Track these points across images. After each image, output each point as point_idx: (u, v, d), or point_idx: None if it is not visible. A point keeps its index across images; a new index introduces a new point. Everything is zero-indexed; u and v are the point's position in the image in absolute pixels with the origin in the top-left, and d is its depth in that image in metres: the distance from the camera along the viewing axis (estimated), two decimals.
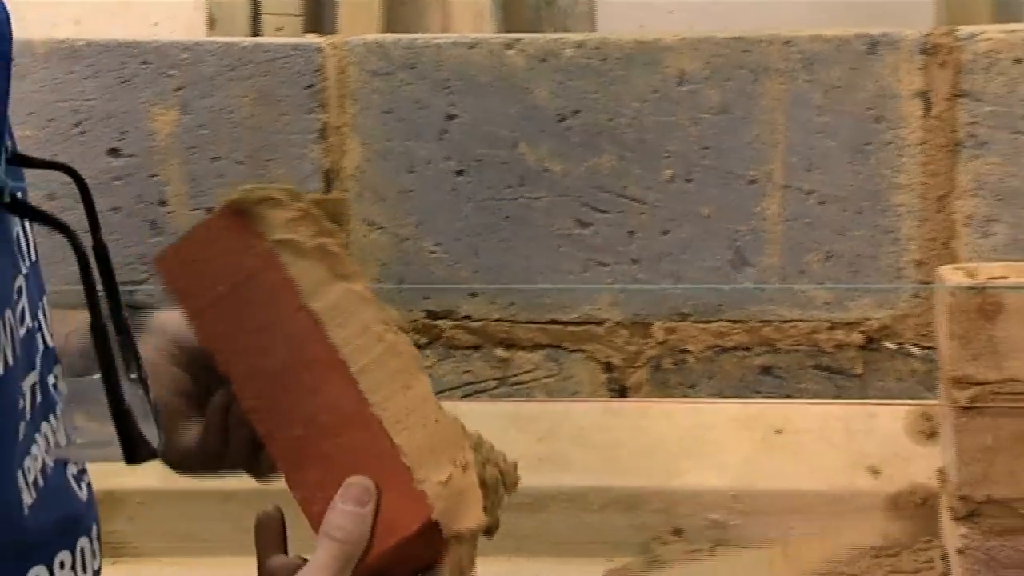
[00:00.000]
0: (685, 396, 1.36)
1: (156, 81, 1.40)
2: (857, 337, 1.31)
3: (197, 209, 1.40)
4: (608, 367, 1.39)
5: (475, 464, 0.86)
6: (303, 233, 0.88)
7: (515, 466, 0.75)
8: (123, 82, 1.39)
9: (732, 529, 1.30)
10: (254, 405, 0.84)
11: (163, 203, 1.41)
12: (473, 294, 1.38)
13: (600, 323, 1.38)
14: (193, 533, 1.52)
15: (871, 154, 1.31)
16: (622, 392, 1.39)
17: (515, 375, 1.40)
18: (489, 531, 0.75)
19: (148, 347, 0.75)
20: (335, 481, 0.86)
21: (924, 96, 1.29)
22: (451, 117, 1.35)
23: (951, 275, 1.16)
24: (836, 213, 1.32)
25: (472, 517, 0.83)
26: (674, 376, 1.37)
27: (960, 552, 1.15)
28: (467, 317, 1.39)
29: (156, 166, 1.40)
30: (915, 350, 1.32)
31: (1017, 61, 1.27)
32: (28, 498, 0.59)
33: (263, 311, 0.87)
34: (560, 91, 1.35)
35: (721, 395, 1.32)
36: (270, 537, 0.72)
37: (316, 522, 0.81)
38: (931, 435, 1.26)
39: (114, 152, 1.40)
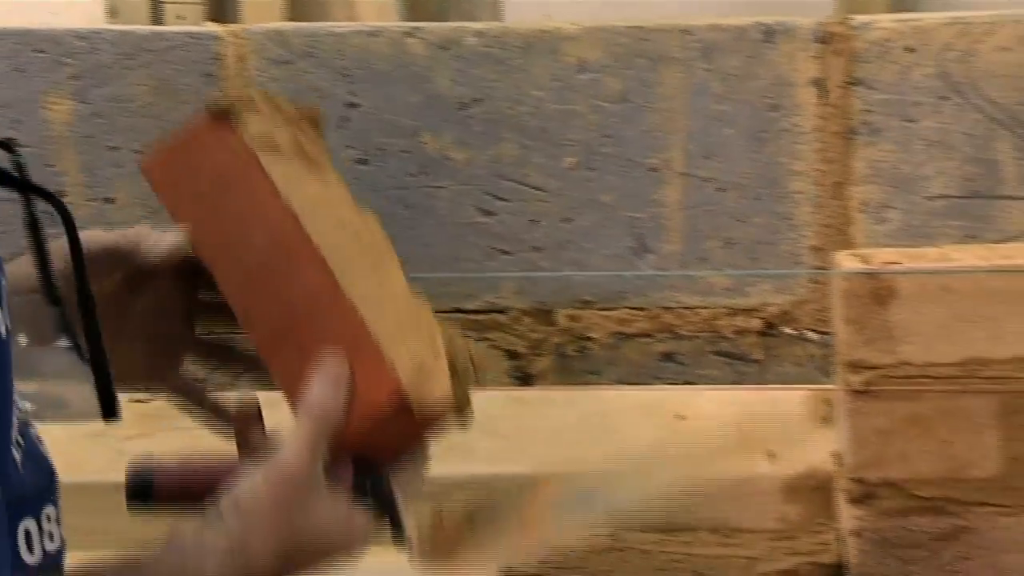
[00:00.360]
0: (588, 383, 1.37)
1: (51, 70, 1.38)
2: (756, 323, 1.33)
3: (94, 200, 1.38)
4: (512, 355, 1.40)
5: (443, 349, 0.89)
6: (281, 134, 0.91)
7: (480, 356, 0.80)
8: (16, 71, 1.37)
9: (634, 514, 1.31)
10: (236, 297, 0.87)
11: (60, 194, 1.39)
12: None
13: (503, 311, 1.39)
14: (96, 528, 1.50)
15: (768, 142, 1.33)
16: (526, 380, 1.39)
17: None
18: (463, 416, 0.80)
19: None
20: (309, 359, 0.89)
21: (819, 84, 1.31)
22: (352, 106, 1.34)
23: (846, 261, 1.18)
24: (735, 200, 1.33)
25: (440, 392, 0.85)
26: (578, 363, 1.38)
27: (855, 534, 1.17)
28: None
29: (52, 156, 1.38)
30: (812, 335, 1.34)
31: (909, 50, 1.29)
32: (17, 455, 0.60)
33: (244, 207, 0.91)
34: (461, 80, 1.35)
35: (624, 382, 1.32)
36: (250, 421, 0.78)
37: (295, 403, 0.84)
38: (828, 419, 1.28)
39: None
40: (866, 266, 1.15)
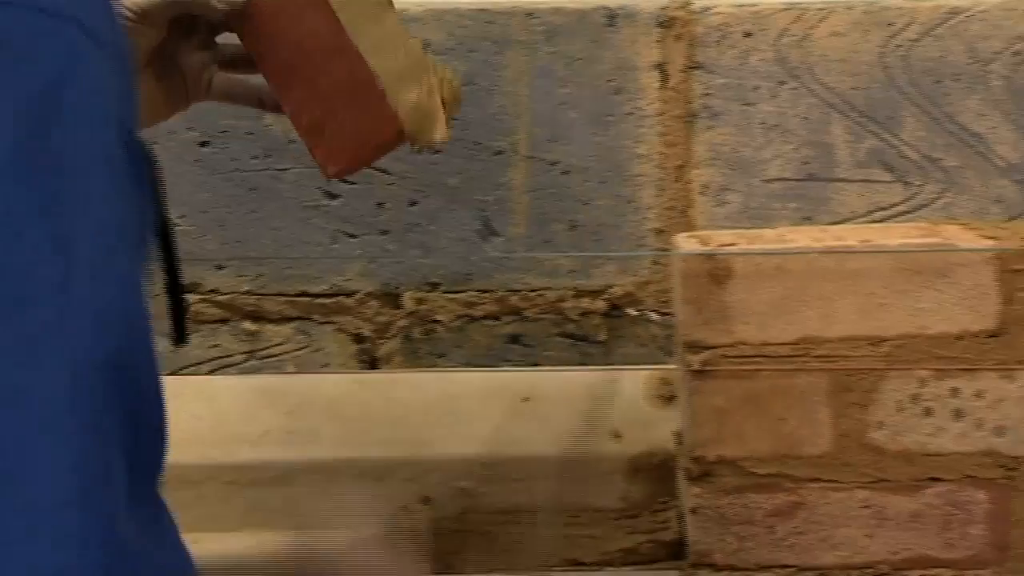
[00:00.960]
0: (435, 366, 1.37)
1: None
2: (601, 304, 1.34)
3: None
4: (358, 338, 1.39)
5: (437, 87, 1.09)
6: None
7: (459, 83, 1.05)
8: None
9: (480, 496, 1.31)
10: (249, 31, 1.02)
11: None
12: (220, 267, 1.36)
13: (350, 294, 1.38)
14: None
15: (612, 125, 1.34)
16: (372, 363, 1.39)
17: (264, 348, 1.39)
18: (443, 143, 1.04)
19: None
20: (319, 99, 1.03)
21: (661, 68, 1.32)
22: None
23: (685, 242, 1.20)
24: (580, 183, 1.34)
25: (437, 132, 1.07)
26: (424, 346, 1.38)
27: (693, 511, 1.19)
28: (214, 291, 1.37)
29: None
30: (655, 316, 1.36)
31: (747, 34, 1.31)
32: None
33: None
34: None
35: (471, 364, 1.33)
36: None
37: (303, 131, 0.97)
38: (670, 399, 1.30)
39: None
40: (703, 247, 1.17)
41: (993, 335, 1.15)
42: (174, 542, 0.60)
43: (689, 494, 1.20)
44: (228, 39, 1.05)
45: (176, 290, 0.83)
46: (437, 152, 1.05)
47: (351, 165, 1.08)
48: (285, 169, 1.36)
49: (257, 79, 1.05)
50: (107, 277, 0.58)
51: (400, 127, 1.05)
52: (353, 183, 1.37)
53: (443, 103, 1.05)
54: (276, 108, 1.08)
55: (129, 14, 0.99)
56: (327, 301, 1.38)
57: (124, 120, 0.62)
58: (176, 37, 1.03)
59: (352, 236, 1.37)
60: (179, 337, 0.96)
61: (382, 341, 1.38)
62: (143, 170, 0.63)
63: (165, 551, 0.58)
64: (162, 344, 0.65)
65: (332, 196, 1.37)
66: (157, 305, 0.69)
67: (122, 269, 0.59)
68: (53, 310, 0.55)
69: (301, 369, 1.38)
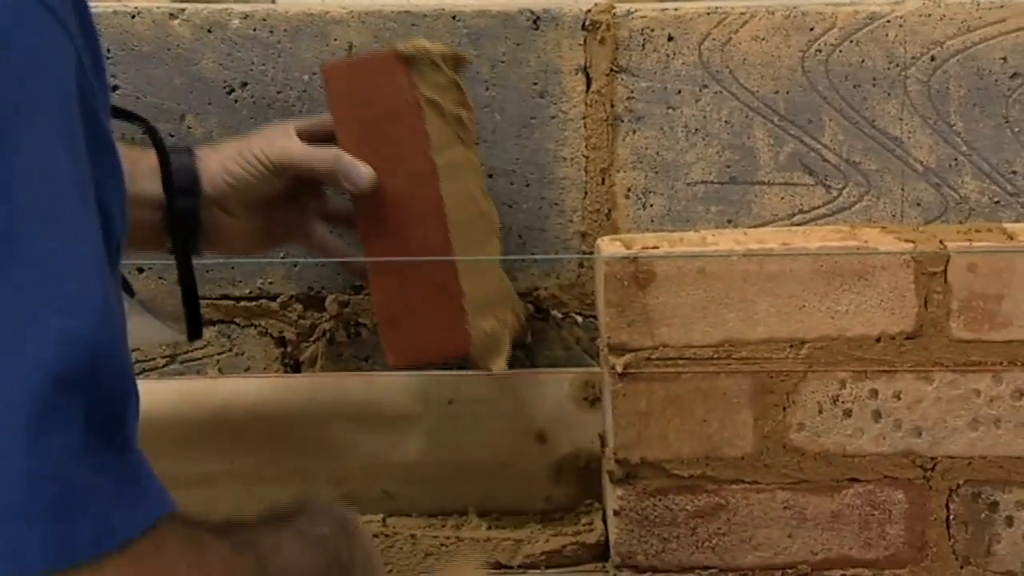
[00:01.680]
0: (359, 369, 1.37)
1: None
2: (527, 307, 1.34)
3: None
4: (281, 342, 1.38)
5: (511, 321, 1.19)
6: (448, 99, 1.18)
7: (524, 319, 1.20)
8: None
9: (404, 500, 1.31)
10: (364, 215, 1.11)
11: None
12: (140, 269, 1.34)
13: (273, 298, 1.37)
14: None
15: (536, 128, 1.34)
16: (296, 367, 1.38)
17: (186, 352, 1.38)
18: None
19: (233, 163, 1.12)
20: (406, 296, 1.12)
21: (585, 71, 1.33)
22: (113, 89, 1.31)
23: (608, 246, 1.20)
24: (505, 186, 1.34)
25: (496, 363, 1.20)
26: (348, 349, 1.38)
27: (616, 513, 1.20)
28: (135, 293, 1.35)
29: None
30: (579, 319, 1.36)
31: (670, 38, 1.32)
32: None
33: (397, 145, 1.16)
34: (227, 63, 1.33)
35: (395, 368, 1.32)
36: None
37: (381, 316, 1.07)
38: (594, 401, 1.30)
39: None
40: (626, 251, 1.18)
41: (911, 337, 1.17)
42: (139, 481, 0.62)
43: (612, 496, 1.20)
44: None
45: (189, 286, 0.87)
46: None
47: (411, 362, 1.17)
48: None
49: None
50: (54, 221, 0.58)
51: (468, 348, 1.16)
52: None
53: (510, 336, 1.17)
54: (362, 275, 1.15)
55: (259, 165, 1.12)
56: (250, 304, 1.37)
57: (83, 89, 0.63)
58: (295, 188, 1.15)
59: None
60: (193, 332, 1.07)
61: (305, 344, 1.38)
62: (104, 143, 0.65)
63: (126, 491, 0.60)
64: (161, 340, 0.67)
65: None
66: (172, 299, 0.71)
67: (72, 216, 0.59)
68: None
69: (223, 373, 1.37)
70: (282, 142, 1.14)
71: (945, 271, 1.16)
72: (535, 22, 1.32)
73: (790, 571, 1.20)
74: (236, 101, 1.33)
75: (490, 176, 1.35)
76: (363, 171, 1.10)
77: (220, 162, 1.15)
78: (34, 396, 0.56)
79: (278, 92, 1.33)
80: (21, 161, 0.57)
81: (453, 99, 1.16)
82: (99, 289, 0.61)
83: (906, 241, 1.17)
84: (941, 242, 1.17)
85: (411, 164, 1.14)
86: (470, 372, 1.31)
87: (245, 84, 1.33)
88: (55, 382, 0.57)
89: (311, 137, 1.17)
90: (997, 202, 1.34)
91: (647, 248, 1.18)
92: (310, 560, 0.77)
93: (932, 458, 1.19)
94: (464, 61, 1.18)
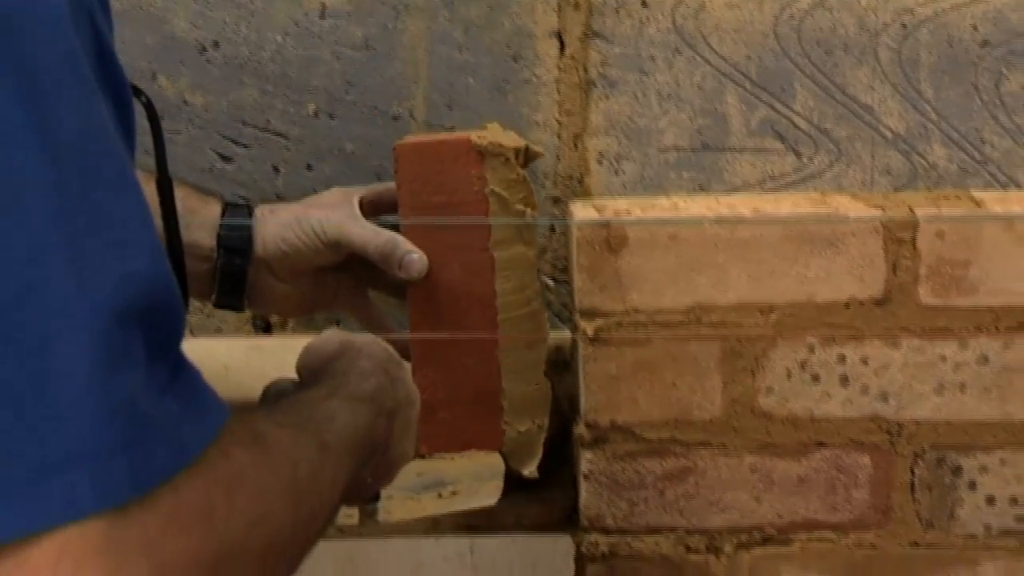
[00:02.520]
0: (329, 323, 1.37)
1: None
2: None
3: None
4: None
5: (547, 424, 1.20)
6: (515, 196, 1.20)
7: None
8: None
9: None
10: (416, 298, 1.14)
11: None
12: None
13: None
14: None
15: (509, 92, 1.34)
16: (267, 328, 1.38)
17: None
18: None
19: (290, 231, 1.16)
20: (446, 386, 1.16)
21: (559, 36, 1.33)
22: None
23: (581, 210, 1.21)
24: None
25: (528, 466, 1.20)
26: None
27: (586, 476, 1.21)
28: None
29: None
30: (551, 283, 1.37)
31: (644, 4, 1.32)
32: None
33: (457, 234, 1.15)
34: (199, 22, 1.32)
35: (366, 330, 1.32)
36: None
37: (421, 412, 1.02)
38: (565, 365, 1.31)
39: None
40: (598, 215, 1.18)
41: (879, 303, 1.18)
42: (198, 395, 0.65)
43: (582, 459, 1.21)
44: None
45: (176, 249, 0.88)
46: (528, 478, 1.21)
47: (442, 452, 1.17)
48: (178, 131, 1.34)
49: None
50: (97, 169, 0.61)
51: (500, 447, 1.17)
52: (247, 146, 1.36)
53: (544, 444, 1.18)
54: (402, 355, 1.15)
55: (316, 239, 1.14)
56: None
57: (100, 42, 0.65)
58: (349, 260, 1.16)
59: (247, 200, 1.36)
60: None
61: None
62: (124, 97, 0.67)
63: (190, 408, 0.63)
64: None
65: (227, 159, 1.36)
66: None
67: (112, 162, 0.62)
68: (52, 210, 0.58)
69: (194, 334, 1.37)
70: (341, 218, 1.14)
71: (914, 238, 1.17)
72: None
73: (756, 533, 1.22)
74: (208, 61, 1.33)
75: None
76: (417, 261, 1.12)
77: (277, 226, 1.16)
78: (99, 337, 0.59)
79: (251, 53, 1.33)
80: (62, 112, 0.60)
81: (520, 196, 1.16)
82: (148, 227, 0.64)
83: (876, 208, 1.18)
84: (910, 209, 1.18)
85: (469, 255, 1.15)
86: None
87: (217, 44, 1.33)
88: (117, 321, 0.59)
89: (375, 207, 1.18)
90: (965, 170, 1.35)
91: (619, 213, 1.19)
92: (363, 418, 0.83)
93: (898, 423, 1.20)
94: (536, 156, 1.19)
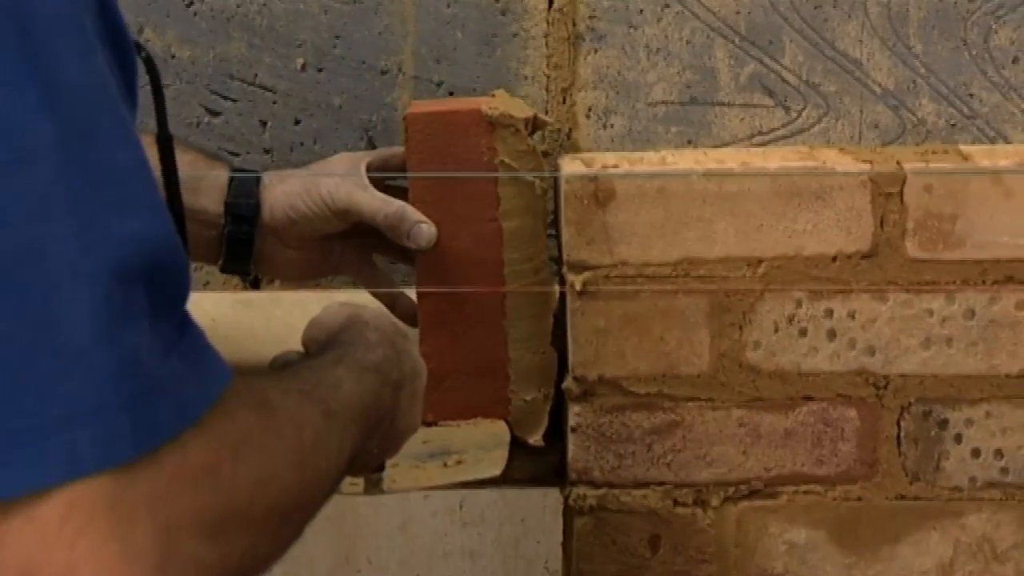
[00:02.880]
0: (318, 285, 1.37)
1: None
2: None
3: None
4: None
5: (551, 393, 1.17)
6: (524, 166, 1.18)
7: None
8: None
9: None
10: (424, 266, 1.13)
11: None
12: None
13: None
14: None
15: (498, 46, 1.34)
16: (255, 283, 1.38)
17: None
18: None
19: (299, 199, 1.15)
20: (452, 354, 1.15)
21: None
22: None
23: (569, 164, 1.21)
24: None
25: (533, 435, 1.19)
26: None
27: (574, 430, 1.21)
28: None
29: None
30: None
31: None
32: None
33: (467, 205, 1.17)
34: None
35: (354, 283, 1.32)
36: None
37: (429, 380, 1.02)
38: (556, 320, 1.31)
39: None
40: (586, 169, 1.18)
41: (866, 256, 1.18)
42: (203, 356, 0.65)
43: (570, 413, 1.21)
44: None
45: (176, 207, 0.87)
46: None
47: (448, 420, 1.17)
48: (165, 86, 1.33)
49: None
50: (98, 130, 0.61)
51: (507, 416, 1.17)
52: (235, 100, 1.35)
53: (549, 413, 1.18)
54: (409, 319, 1.15)
55: (324, 207, 1.14)
56: None
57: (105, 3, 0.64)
58: (356, 226, 1.16)
59: (235, 154, 1.35)
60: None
61: None
62: (126, 53, 0.66)
63: (195, 368, 0.64)
64: None
65: (215, 114, 1.35)
66: None
67: (112, 120, 0.62)
68: (54, 165, 0.58)
69: None
70: (350, 187, 1.14)
71: (901, 191, 1.17)
72: None
73: (744, 487, 1.22)
74: (195, 14, 1.32)
75: (451, 94, 1.34)
76: (425, 231, 1.11)
77: (285, 195, 1.16)
78: (102, 297, 0.59)
79: (238, 5, 1.32)
80: (62, 73, 0.59)
81: (529, 167, 1.16)
82: (150, 185, 0.63)
83: (863, 162, 1.18)
84: (898, 163, 1.18)
85: (478, 226, 1.14)
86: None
87: None
88: (120, 278, 0.59)
89: (382, 168, 1.17)
90: (954, 124, 1.35)
91: (608, 167, 1.19)
92: (368, 387, 0.83)
93: (885, 377, 1.21)
94: (544, 125, 1.18)
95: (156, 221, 0.63)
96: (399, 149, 1.17)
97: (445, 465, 1.18)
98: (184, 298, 0.66)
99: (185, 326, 0.65)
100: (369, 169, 1.16)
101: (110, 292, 0.59)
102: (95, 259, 0.59)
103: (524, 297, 1.15)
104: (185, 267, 0.66)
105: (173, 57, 1.33)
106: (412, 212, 1.12)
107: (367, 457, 0.86)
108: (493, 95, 1.19)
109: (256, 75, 1.34)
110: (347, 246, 1.19)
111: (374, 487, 1.06)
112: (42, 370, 0.57)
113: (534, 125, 1.17)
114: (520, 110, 1.16)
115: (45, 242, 0.58)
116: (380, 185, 1.16)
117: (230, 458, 0.63)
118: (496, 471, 1.14)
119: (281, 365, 0.92)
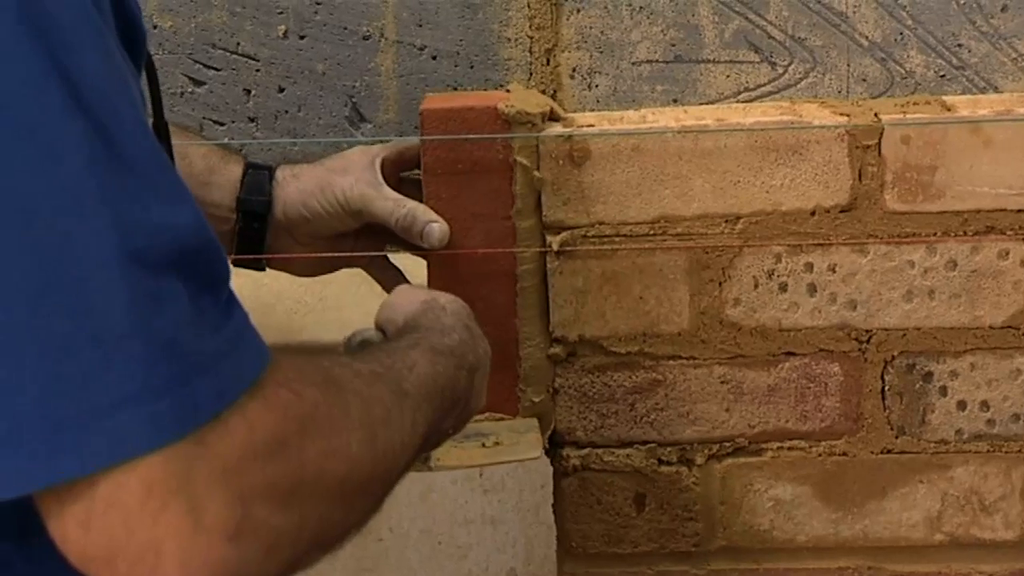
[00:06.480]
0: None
1: None
2: None
3: None
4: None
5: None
6: (541, 167, 1.13)
7: None
8: None
9: None
10: (436, 263, 1.12)
11: None
12: None
13: None
14: None
15: (480, 9, 1.33)
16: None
17: None
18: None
19: (313, 199, 1.16)
20: None
21: None
22: None
23: (544, 124, 1.20)
24: (449, 68, 1.34)
25: (539, 437, 1.18)
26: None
27: (556, 391, 1.21)
28: None
29: None
30: None
31: None
32: None
33: (481, 202, 1.15)
34: None
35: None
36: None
37: None
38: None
39: None
40: (561, 129, 1.18)
41: (845, 210, 1.17)
42: (245, 336, 0.66)
43: (552, 374, 1.21)
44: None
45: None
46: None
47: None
48: (150, 55, 1.34)
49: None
50: (120, 121, 0.62)
51: (515, 415, 1.17)
52: (218, 69, 1.35)
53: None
54: None
55: (338, 207, 1.14)
56: None
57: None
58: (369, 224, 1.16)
59: (219, 124, 1.36)
60: None
61: None
62: (137, 49, 0.69)
63: (238, 347, 0.64)
64: None
65: (198, 83, 1.36)
66: None
67: (131, 115, 0.63)
68: (83, 160, 0.60)
69: None
70: (363, 188, 1.14)
71: (879, 144, 1.15)
72: None
73: (727, 444, 1.22)
74: None
75: (433, 58, 1.34)
76: (438, 230, 1.12)
77: (299, 193, 1.16)
78: (132, 284, 0.60)
79: None
80: (82, 70, 0.61)
81: (546, 167, 1.16)
82: (171, 170, 0.65)
83: (841, 115, 1.17)
84: (875, 115, 1.16)
85: (491, 223, 1.14)
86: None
87: None
88: (149, 268, 0.61)
89: (397, 167, 1.17)
90: (943, 76, 1.33)
91: (582, 127, 1.18)
92: (443, 370, 0.85)
93: (867, 330, 1.19)
94: (561, 118, 1.18)
95: (184, 208, 0.64)
96: (415, 142, 1.17)
97: (483, 445, 1.19)
98: (224, 279, 0.66)
99: (231, 304, 0.66)
100: (384, 164, 1.15)
101: (137, 279, 0.61)
102: (129, 248, 0.60)
103: (535, 295, 1.15)
104: (218, 248, 0.67)
105: (155, 27, 1.34)
106: (424, 212, 1.12)
107: (442, 436, 0.88)
108: (508, 89, 1.19)
109: (239, 43, 1.35)
110: (359, 241, 1.19)
111: (423, 464, 1.08)
112: (92, 356, 0.59)
113: (550, 118, 1.16)
114: (536, 103, 1.15)
115: (78, 235, 0.60)
116: (395, 179, 1.16)
117: (298, 431, 0.65)
118: (536, 453, 1.13)
119: (359, 343, 0.94)
